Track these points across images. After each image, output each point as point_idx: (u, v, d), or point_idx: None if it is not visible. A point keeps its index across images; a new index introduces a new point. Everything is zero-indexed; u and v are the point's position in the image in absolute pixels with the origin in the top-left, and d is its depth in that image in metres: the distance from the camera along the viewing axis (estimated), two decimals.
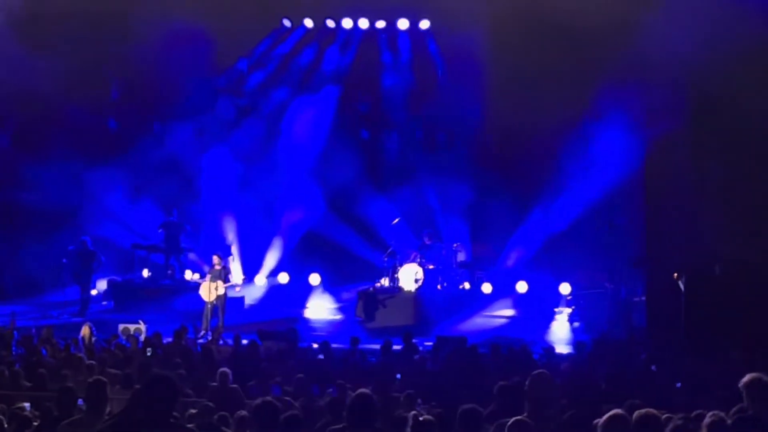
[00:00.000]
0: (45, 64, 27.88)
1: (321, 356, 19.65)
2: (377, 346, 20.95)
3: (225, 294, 25.61)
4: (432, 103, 31.49)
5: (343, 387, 14.74)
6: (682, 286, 23.57)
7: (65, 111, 28.88)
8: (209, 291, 25.29)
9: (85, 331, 21.70)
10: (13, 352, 19.13)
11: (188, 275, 30.64)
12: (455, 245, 29.47)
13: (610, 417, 8.02)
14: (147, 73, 28.87)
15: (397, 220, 29.48)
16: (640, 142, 26.06)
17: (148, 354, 19.43)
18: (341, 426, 9.17)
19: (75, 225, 29.93)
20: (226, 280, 25.54)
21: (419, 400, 14.18)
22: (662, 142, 24.84)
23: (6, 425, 11.98)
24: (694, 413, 10.90)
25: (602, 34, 25.98)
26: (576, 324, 27.64)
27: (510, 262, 30.00)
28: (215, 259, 25.84)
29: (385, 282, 28.79)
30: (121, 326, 23.73)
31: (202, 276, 27.20)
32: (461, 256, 30.10)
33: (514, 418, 8.58)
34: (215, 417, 11.63)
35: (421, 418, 9.52)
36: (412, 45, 31.92)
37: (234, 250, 30.90)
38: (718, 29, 23.30)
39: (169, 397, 7.62)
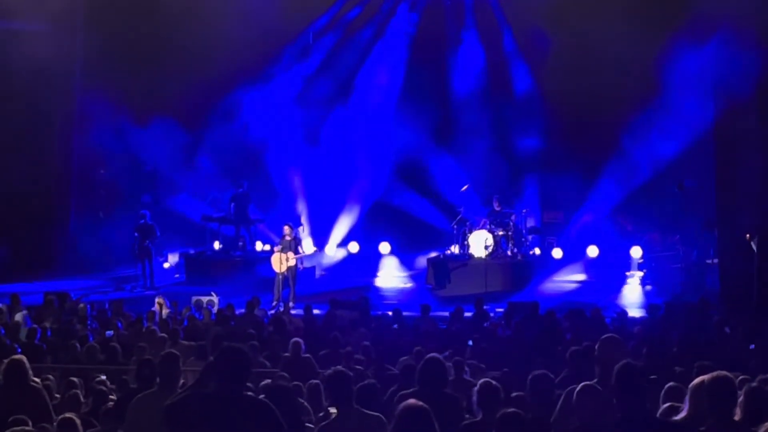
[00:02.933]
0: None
1: (395, 326, 19.67)
2: (448, 314, 20.96)
3: (296, 265, 25.67)
4: (499, 68, 31.40)
5: (421, 354, 14.72)
6: (754, 247, 23.32)
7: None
8: (280, 262, 25.36)
9: (158, 304, 21.91)
10: (89, 327, 19.35)
11: (259, 246, 30.79)
12: (524, 211, 29.39)
13: (700, 382, 8.05)
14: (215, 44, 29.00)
15: (465, 186, 29.39)
16: (709, 104, 25.78)
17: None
18: (412, 390, 9.20)
19: (149, 198, 30.23)
20: (296, 251, 25.58)
21: (483, 365, 14.20)
22: (732, 103, 24.51)
23: (83, 399, 12.17)
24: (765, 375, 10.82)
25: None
26: (648, 287, 27.49)
27: (580, 227, 29.86)
28: (286, 229, 25.83)
29: (455, 249, 28.78)
30: (193, 298, 23.92)
31: (271, 244, 27.23)
32: (531, 222, 30.06)
33: (582, 384, 8.56)
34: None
35: (491, 381, 9.51)
36: (477, 11, 31.72)
37: (304, 220, 31.04)
38: None
39: (242, 369, 7.69)
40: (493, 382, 9.17)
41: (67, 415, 9.83)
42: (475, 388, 9.17)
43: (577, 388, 8.46)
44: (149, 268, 28.40)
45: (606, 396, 8.41)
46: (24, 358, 10.99)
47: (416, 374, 9.55)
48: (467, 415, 9.62)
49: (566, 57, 28.41)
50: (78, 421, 9.61)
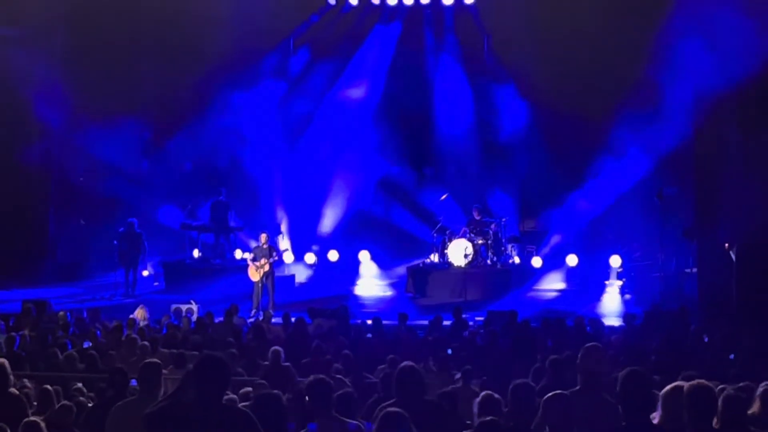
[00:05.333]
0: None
1: (369, 335, 19.65)
2: (427, 322, 20.97)
3: (273, 272, 25.71)
4: (479, 78, 31.47)
5: (395, 362, 14.71)
6: (733, 257, 23.40)
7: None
8: (255, 270, 25.40)
9: (139, 312, 21.85)
10: (70, 334, 19.28)
11: (238, 254, 30.72)
12: (504, 220, 29.42)
13: (672, 388, 8.05)
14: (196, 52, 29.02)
15: (445, 195, 29.48)
16: (689, 112, 25.85)
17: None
18: (392, 401, 9.17)
19: (128, 207, 30.14)
20: (271, 257, 25.61)
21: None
22: (711, 112, 24.58)
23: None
24: (741, 383, 10.85)
25: (650, 5, 25.89)
26: (627, 296, 27.52)
27: (559, 236, 29.92)
28: (263, 237, 25.89)
29: (434, 258, 28.83)
30: (173, 306, 23.90)
31: (249, 252, 27.10)
32: (511, 231, 30.10)
33: (553, 393, 8.57)
34: None
35: (496, 396, 9.50)
36: (457, 19, 31.76)
37: (284, 228, 31.04)
38: None
39: (220, 378, 7.67)
40: (495, 395, 9.18)
41: (32, 418, 9.80)
42: (477, 400, 9.18)
43: (548, 395, 8.48)
44: (132, 276, 28.36)
45: (575, 403, 8.43)
46: (5, 362, 10.92)
47: (393, 385, 9.48)
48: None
49: (546, 64, 28.45)
50: (43, 425, 9.59)
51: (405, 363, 9.63)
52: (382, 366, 14.88)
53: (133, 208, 30.01)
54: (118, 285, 28.35)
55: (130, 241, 28.21)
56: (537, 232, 30.87)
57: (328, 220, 31.78)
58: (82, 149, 29.87)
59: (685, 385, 7.86)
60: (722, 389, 9.55)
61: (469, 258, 27.94)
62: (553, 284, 29.06)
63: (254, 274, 25.46)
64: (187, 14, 28.32)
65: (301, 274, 31.00)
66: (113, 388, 10.71)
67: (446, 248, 28.38)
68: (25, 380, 13.41)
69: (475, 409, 9.13)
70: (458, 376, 14.12)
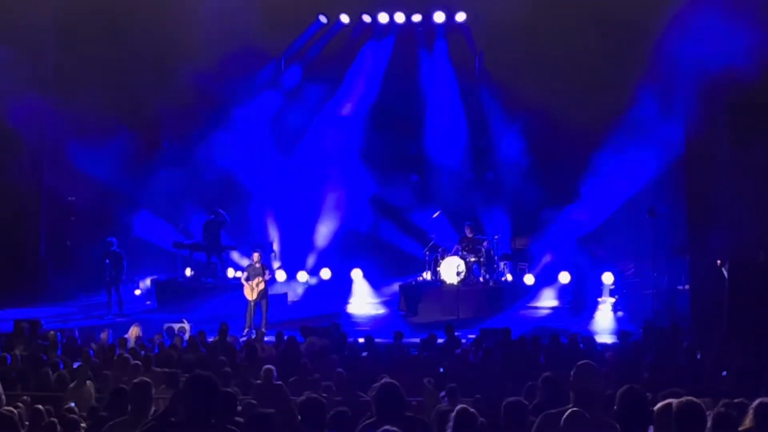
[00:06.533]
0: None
1: (365, 353, 19.58)
2: (419, 340, 20.91)
3: (267, 291, 25.69)
4: (471, 96, 31.51)
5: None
6: (725, 274, 23.39)
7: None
8: (251, 289, 25.38)
9: (133, 331, 21.81)
10: (59, 354, 19.22)
11: (231, 273, 30.67)
12: (496, 237, 29.41)
13: (664, 405, 8.04)
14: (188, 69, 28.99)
15: (437, 213, 29.47)
16: (680, 130, 25.89)
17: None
18: (372, 420, 9.10)
19: (120, 225, 30.10)
20: (264, 276, 25.60)
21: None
22: (702, 129, 24.62)
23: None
24: (736, 400, 10.84)
25: (640, 22, 25.92)
26: (620, 313, 27.49)
27: (552, 253, 29.89)
28: (255, 256, 25.90)
29: (427, 275, 28.79)
30: (165, 325, 23.84)
31: (242, 271, 27.06)
32: (503, 249, 30.09)
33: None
34: None
35: (471, 410, 9.45)
36: (449, 38, 31.81)
37: (276, 247, 31.00)
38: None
39: (210, 397, 7.64)
40: (470, 409, 9.12)
41: None
42: (452, 414, 9.13)
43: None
44: (116, 295, 28.26)
45: (569, 421, 8.40)
46: None
47: (373, 403, 9.40)
48: None
49: (538, 80, 28.42)
50: None
51: (385, 380, 9.58)
52: (376, 384, 14.82)
53: (124, 227, 29.97)
54: (109, 304, 28.28)
55: (111, 260, 28.12)
56: (529, 249, 30.84)
57: (321, 239, 31.76)
58: (72, 168, 29.78)
59: (674, 402, 7.86)
60: (714, 406, 9.55)
61: (462, 276, 27.89)
62: (545, 301, 29.04)
63: (250, 293, 25.44)
64: (176, 30, 28.18)
65: (294, 293, 30.94)
66: (113, 408, 10.65)
67: (439, 266, 28.32)
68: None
69: (450, 423, 9.08)
70: (442, 394, 14.11)
